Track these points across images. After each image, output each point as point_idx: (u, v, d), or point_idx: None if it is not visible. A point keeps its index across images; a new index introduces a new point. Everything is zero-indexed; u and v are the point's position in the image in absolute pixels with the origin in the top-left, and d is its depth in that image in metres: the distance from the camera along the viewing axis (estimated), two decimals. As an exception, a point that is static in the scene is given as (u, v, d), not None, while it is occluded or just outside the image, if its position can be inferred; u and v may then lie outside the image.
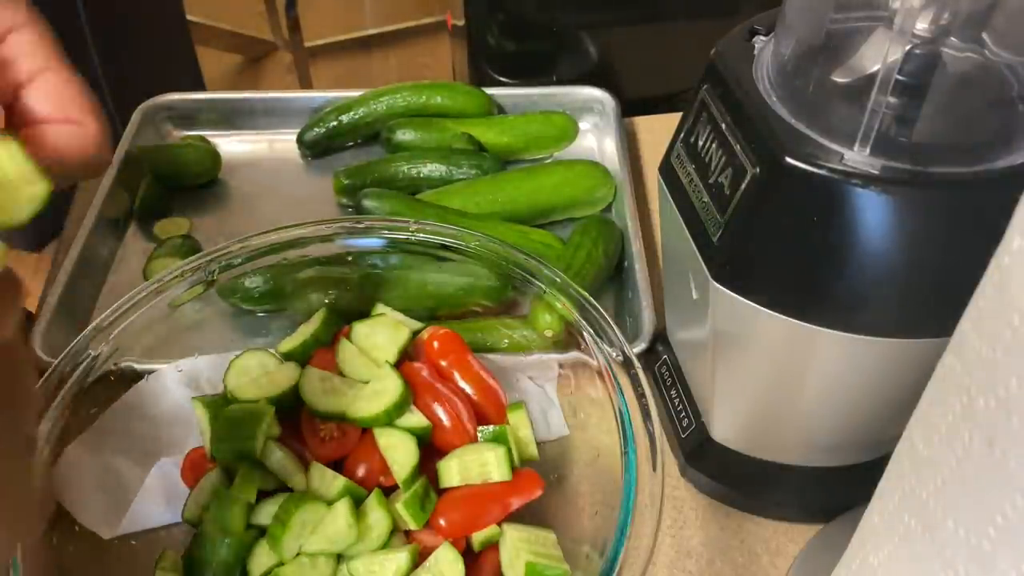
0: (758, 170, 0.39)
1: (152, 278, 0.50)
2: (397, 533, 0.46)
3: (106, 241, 0.72)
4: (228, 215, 0.76)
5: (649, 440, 0.42)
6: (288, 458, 0.47)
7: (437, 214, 0.69)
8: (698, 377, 0.53)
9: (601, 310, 0.47)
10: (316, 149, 0.81)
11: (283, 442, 0.49)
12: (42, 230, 1.53)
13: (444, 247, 0.52)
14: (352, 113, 0.80)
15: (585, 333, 0.47)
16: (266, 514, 0.46)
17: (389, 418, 0.47)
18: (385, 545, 0.45)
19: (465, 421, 0.49)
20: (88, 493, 0.45)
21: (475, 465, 0.46)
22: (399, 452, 0.47)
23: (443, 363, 0.52)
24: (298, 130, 0.82)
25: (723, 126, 0.42)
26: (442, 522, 0.46)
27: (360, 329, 0.52)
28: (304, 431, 0.49)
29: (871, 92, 0.36)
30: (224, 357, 0.52)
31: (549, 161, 0.80)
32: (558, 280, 0.49)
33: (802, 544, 0.53)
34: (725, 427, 0.52)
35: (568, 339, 0.49)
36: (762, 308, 0.41)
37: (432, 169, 0.75)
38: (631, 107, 0.84)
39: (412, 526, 0.45)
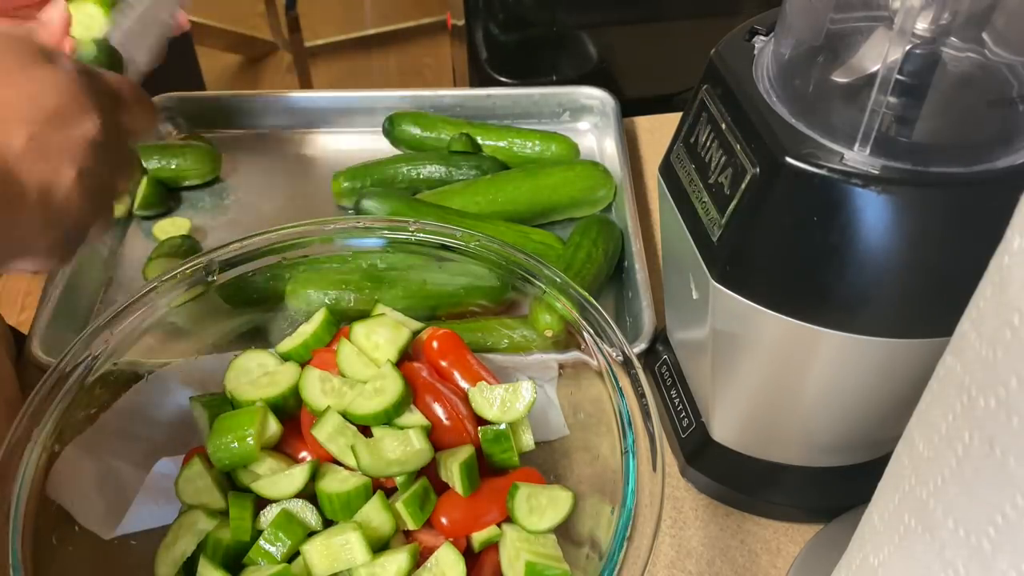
0: (758, 170, 0.39)
1: (152, 278, 0.50)
2: (396, 533, 0.46)
3: (106, 241, 0.72)
4: (228, 215, 0.76)
5: (649, 440, 0.42)
6: (280, 464, 0.47)
7: (437, 214, 0.69)
8: (698, 377, 0.53)
9: (601, 310, 0.47)
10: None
11: (283, 442, 0.49)
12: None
13: (444, 247, 0.52)
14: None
15: (585, 333, 0.47)
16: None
17: (389, 417, 0.47)
18: (386, 545, 0.45)
19: (465, 421, 0.49)
20: (88, 493, 0.45)
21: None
22: (399, 452, 0.47)
23: (443, 363, 0.52)
24: (298, 130, 0.82)
25: (723, 126, 0.42)
26: (444, 520, 0.46)
27: (360, 329, 0.52)
28: (304, 431, 0.49)
29: (871, 92, 0.36)
30: (224, 357, 0.52)
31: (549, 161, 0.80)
32: (558, 280, 0.49)
33: (802, 544, 0.53)
34: (725, 427, 0.52)
35: (568, 339, 0.49)
36: (762, 308, 0.41)
37: (432, 170, 0.75)
38: (631, 107, 0.84)
39: (411, 526, 0.45)
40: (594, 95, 0.83)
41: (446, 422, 0.49)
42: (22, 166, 0.37)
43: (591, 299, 0.48)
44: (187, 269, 0.50)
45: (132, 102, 0.44)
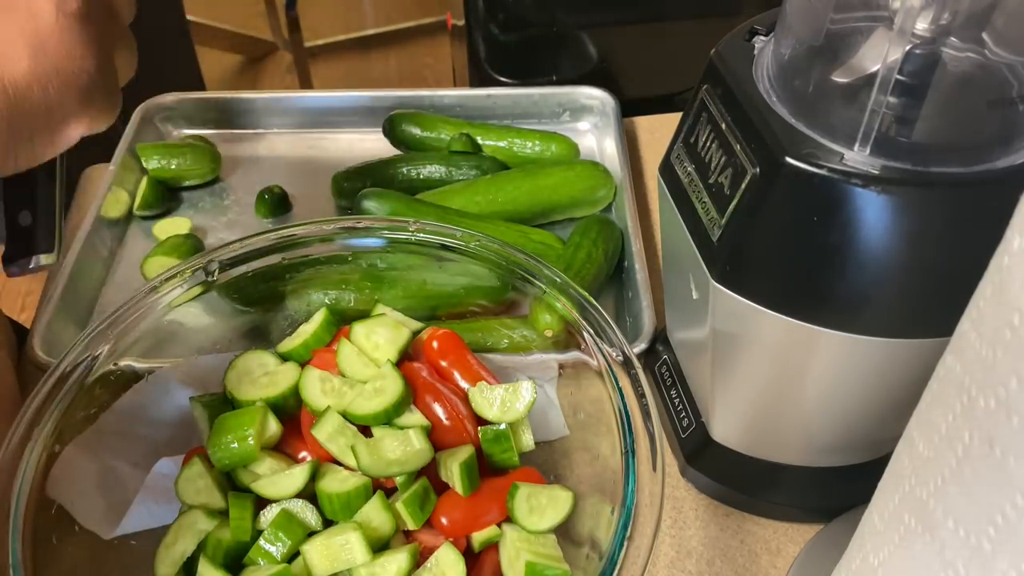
0: (758, 170, 0.39)
1: (151, 277, 0.50)
2: (396, 533, 0.46)
3: (106, 241, 0.72)
4: (228, 215, 0.76)
5: (649, 440, 0.42)
6: (280, 464, 0.47)
7: (437, 214, 0.69)
8: (698, 377, 0.53)
9: (601, 310, 0.47)
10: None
11: (283, 442, 0.49)
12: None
13: (444, 247, 0.52)
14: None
15: (585, 333, 0.47)
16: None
17: (389, 417, 0.47)
18: (386, 545, 0.45)
19: (465, 421, 0.49)
20: (88, 493, 0.45)
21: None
22: (399, 452, 0.47)
23: (443, 363, 0.52)
24: (298, 130, 0.82)
25: (723, 126, 0.42)
26: (444, 521, 0.46)
27: (360, 329, 0.52)
28: (304, 431, 0.49)
29: (871, 92, 0.36)
30: (224, 357, 0.52)
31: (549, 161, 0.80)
32: (558, 280, 0.49)
33: (802, 544, 0.53)
34: (725, 427, 0.52)
35: (568, 339, 0.49)
36: (762, 308, 0.41)
37: (432, 170, 0.75)
38: (631, 107, 0.84)
39: (411, 526, 0.45)
40: (594, 95, 0.83)
41: (446, 422, 0.49)
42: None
43: (591, 299, 0.48)
44: (187, 269, 0.50)
45: None
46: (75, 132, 0.40)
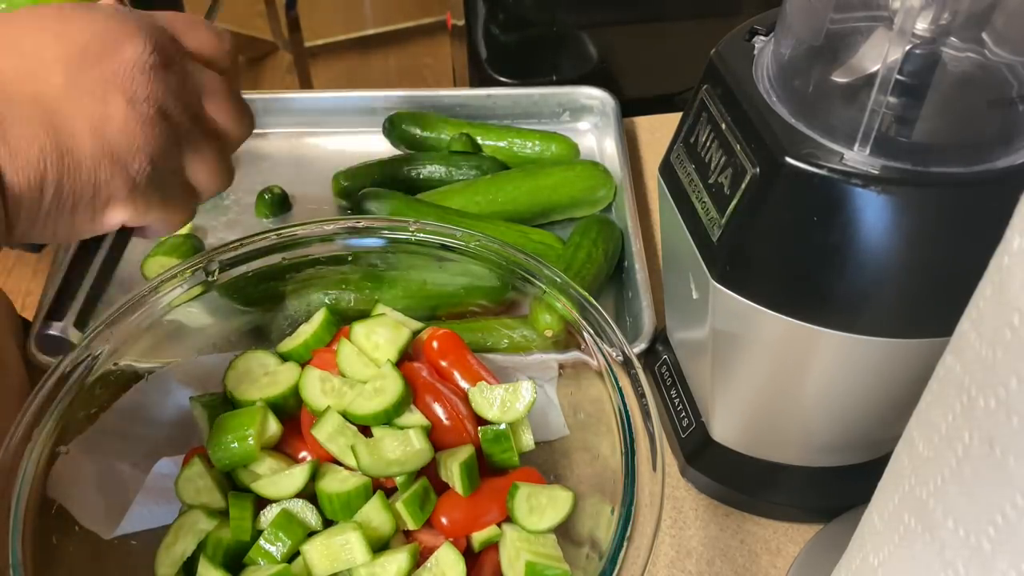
0: (758, 170, 0.39)
1: (152, 277, 0.50)
2: (396, 533, 0.46)
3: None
4: (228, 215, 0.76)
5: (649, 440, 0.42)
6: (280, 464, 0.47)
7: (437, 214, 0.69)
8: (698, 377, 0.53)
9: (601, 310, 0.47)
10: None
11: (283, 442, 0.49)
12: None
13: (444, 247, 0.52)
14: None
15: (585, 333, 0.47)
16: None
17: (389, 417, 0.47)
18: (386, 545, 0.45)
19: (465, 421, 0.49)
20: (88, 493, 0.45)
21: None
22: (399, 452, 0.47)
23: (443, 363, 0.52)
24: (298, 130, 0.82)
25: (723, 126, 0.42)
26: (444, 520, 0.46)
27: (360, 329, 0.52)
28: (304, 431, 0.49)
29: (871, 92, 0.36)
30: (224, 357, 0.52)
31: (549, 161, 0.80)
32: (558, 280, 0.49)
33: (802, 544, 0.53)
34: (725, 427, 0.52)
35: (568, 339, 0.49)
36: (762, 308, 0.41)
37: (432, 170, 0.75)
38: (631, 107, 0.84)
39: (411, 526, 0.45)
40: (594, 95, 0.83)
41: (446, 422, 0.49)
42: (67, 105, 0.37)
43: (591, 299, 0.48)
44: (187, 269, 0.50)
45: (188, 26, 0.43)
46: (116, 218, 0.40)
